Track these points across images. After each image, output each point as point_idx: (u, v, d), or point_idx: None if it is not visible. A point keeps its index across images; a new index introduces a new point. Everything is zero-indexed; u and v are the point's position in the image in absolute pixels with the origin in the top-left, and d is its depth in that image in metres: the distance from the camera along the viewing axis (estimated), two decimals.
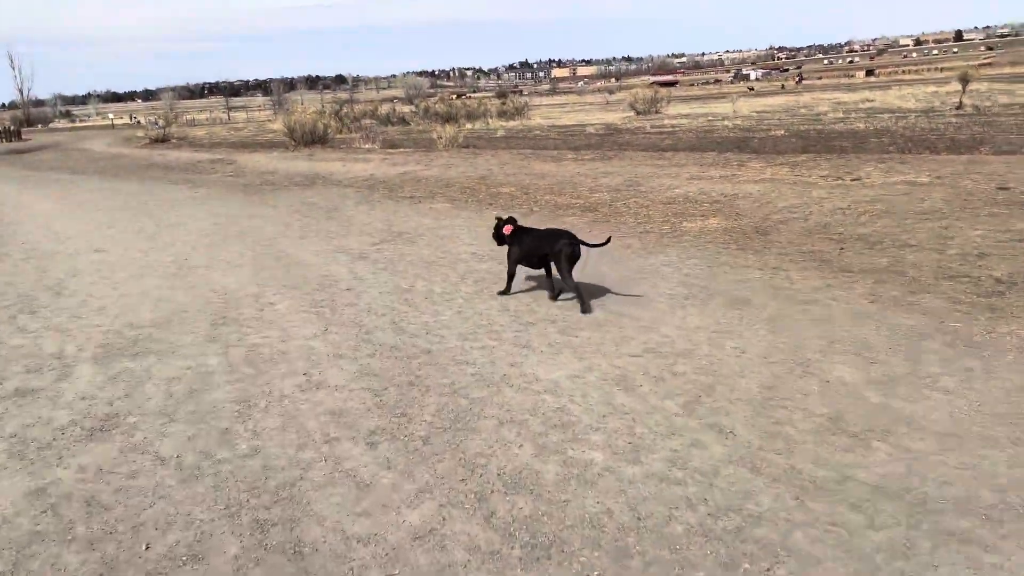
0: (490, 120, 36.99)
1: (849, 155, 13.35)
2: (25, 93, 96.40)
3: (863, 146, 14.96)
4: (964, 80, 25.96)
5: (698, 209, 9.82)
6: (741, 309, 5.51)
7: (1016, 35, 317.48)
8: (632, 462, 3.19)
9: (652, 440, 3.38)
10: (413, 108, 44.31)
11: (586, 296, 5.72)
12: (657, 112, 36.58)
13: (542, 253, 5.89)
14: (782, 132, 18.67)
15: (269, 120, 61.11)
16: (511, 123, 36.49)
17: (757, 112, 31.96)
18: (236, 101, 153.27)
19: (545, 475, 3.09)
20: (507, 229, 6.12)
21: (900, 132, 16.93)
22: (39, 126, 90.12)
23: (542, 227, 6.23)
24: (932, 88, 46.86)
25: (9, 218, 12.34)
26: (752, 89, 65.76)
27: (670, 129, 23.88)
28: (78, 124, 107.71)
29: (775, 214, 9.08)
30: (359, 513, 2.84)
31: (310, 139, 23.48)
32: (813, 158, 13.26)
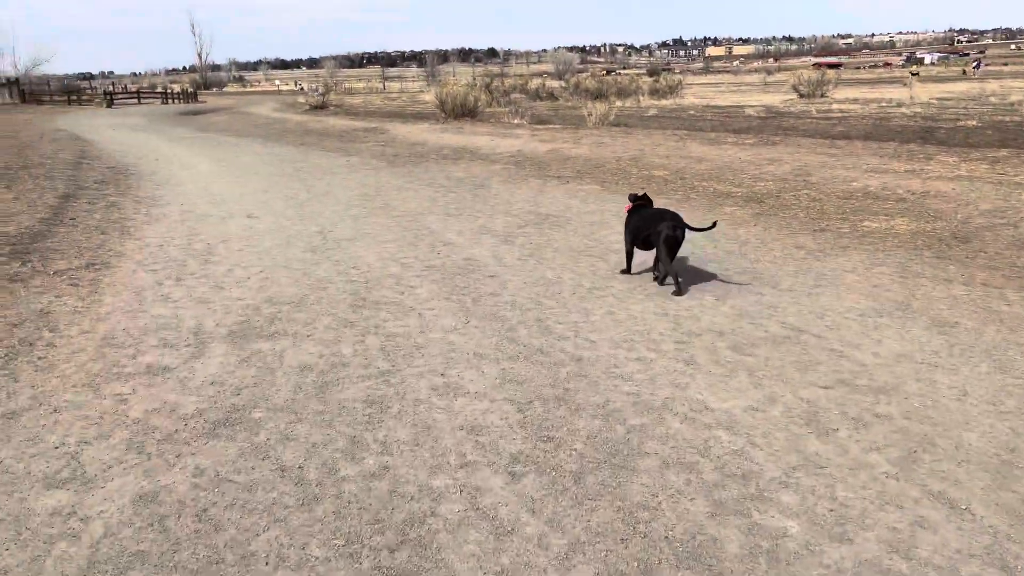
0: (642, 98, 35.82)
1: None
2: (204, 58, 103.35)
3: None
4: None
5: (881, 207, 8.72)
6: (949, 335, 4.62)
7: None
8: (838, 539, 2.53)
9: (861, 510, 2.70)
10: (563, 83, 43.67)
11: (683, 283, 5.65)
12: (823, 95, 34.17)
13: (646, 233, 5.71)
14: (974, 123, 16.69)
15: (422, 91, 62.34)
16: (664, 102, 35.17)
17: (938, 99, 29.11)
18: (392, 71, 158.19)
19: (726, 545, 2.49)
20: (627, 207, 6.11)
21: None
22: (215, 89, 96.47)
23: (655, 208, 6.04)
24: None
25: (176, 178, 12.83)
26: (916, 74, 60.31)
27: (840, 114, 22.04)
28: (248, 89, 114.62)
29: (976, 218, 7.87)
30: (498, 572, 2.36)
31: (460, 112, 23.41)
32: (1016, 154, 11.62)
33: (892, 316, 4.99)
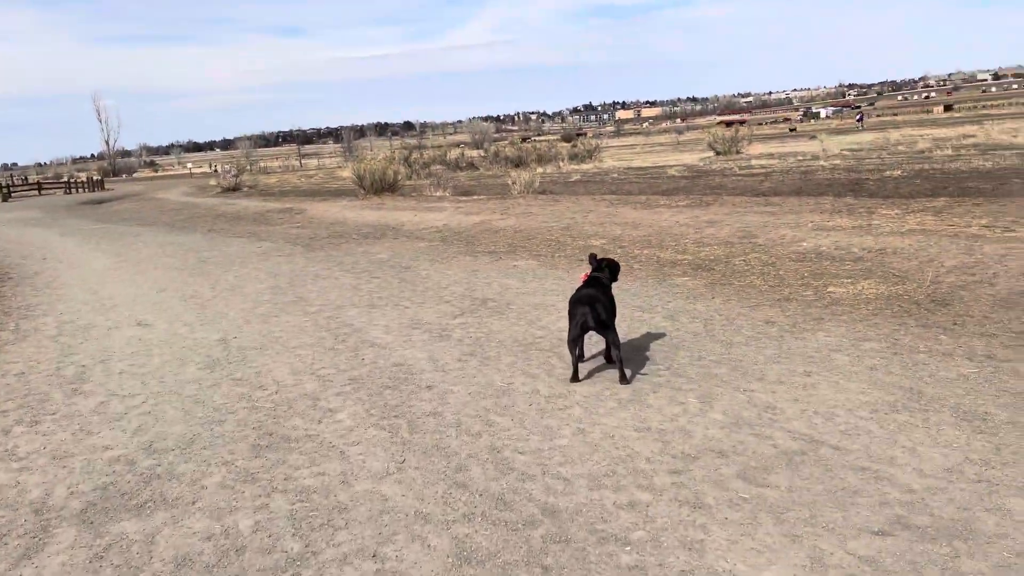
0: (562, 163, 35.79)
1: (998, 199, 11.44)
2: (111, 144, 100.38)
3: (1005, 188, 12.98)
4: None
5: (841, 269, 8.12)
6: (987, 431, 3.83)
7: None
8: None
9: None
10: (482, 153, 43.54)
11: (630, 372, 5.06)
12: (738, 152, 34.80)
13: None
14: (898, 172, 16.75)
15: (339, 167, 61.54)
16: (584, 166, 35.21)
17: (849, 151, 29.88)
18: (308, 149, 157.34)
19: None
20: (582, 277, 5.41)
21: None
22: (124, 176, 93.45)
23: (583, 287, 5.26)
24: (1013, 124, 43.86)
25: (61, 280, 11.43)
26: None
27: (761, 170, 22.11)
28: (160, 173, 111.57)
29: (946, 276, 7.32)
30: None
31: (380, 186, 22.55)
32: (954, 203, 11.39)
33: (910, 410, 4.19)
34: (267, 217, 21.01)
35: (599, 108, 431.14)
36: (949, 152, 23.02)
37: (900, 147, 29.11)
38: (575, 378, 4.99)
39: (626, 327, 6.30)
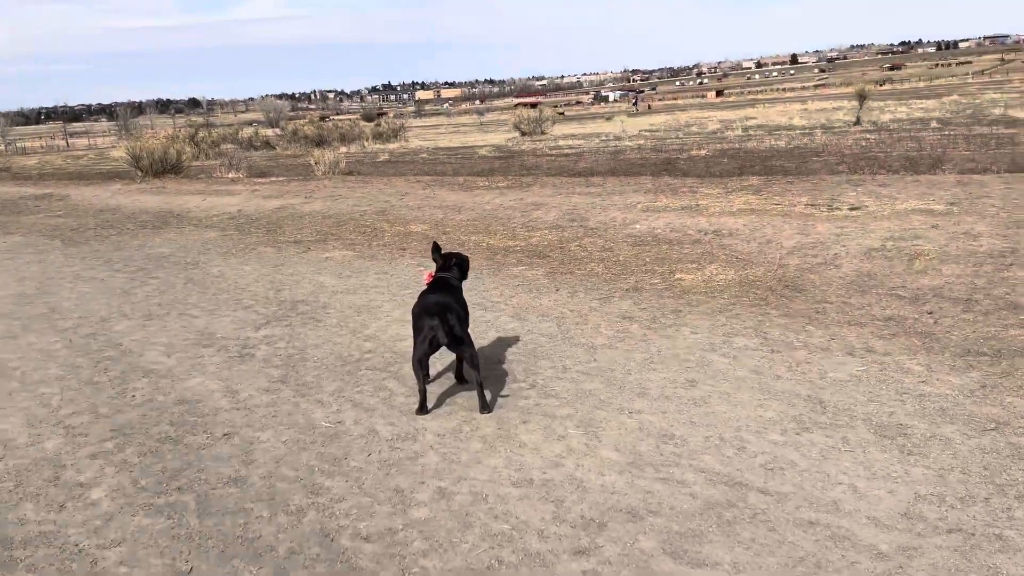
0: (367, 143, 34.12)
1: (806, 177, 11.69)
2: None
3: (808, 166, 13.44)
4: (862, 97, 25.66)
5: (682, 252, 7.66)
6: (915, 452, 3.28)
7: (844, 57, 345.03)
8: None
9: None
10: (278, 131, 40.66)
11: (492, 398, 4.05)
12: (543, 133, 34.95)
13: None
14: (704, 152, 17.08)
15: (114, 147, 55.42)
16: (390, 146, 33.79)
17: (648, 132, 30.84)
18: (76, 127, 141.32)
19: None
20: (426, 277, 4.42)
21: (835, 150, 15.63)
22: None
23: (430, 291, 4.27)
24: (799, 105, 48.02)
25: None
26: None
27: (571, 151, 21.99)
28: None
29: (790, 259, 7.03)
30: None
31: (160, 168, 19.94)
32: (767, 181, 11.50)
33: (822, 427, 3.57)
34: (20, 205, 17.83)
35: (399, 88, 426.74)
36: (740, 133, 24.20)
37: (693, 128, 30.46)
38: (423, 409, 3.93)
39: (470, 330, 5.32)
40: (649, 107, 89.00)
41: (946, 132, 18.13)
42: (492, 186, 13.63)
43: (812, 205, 9.08)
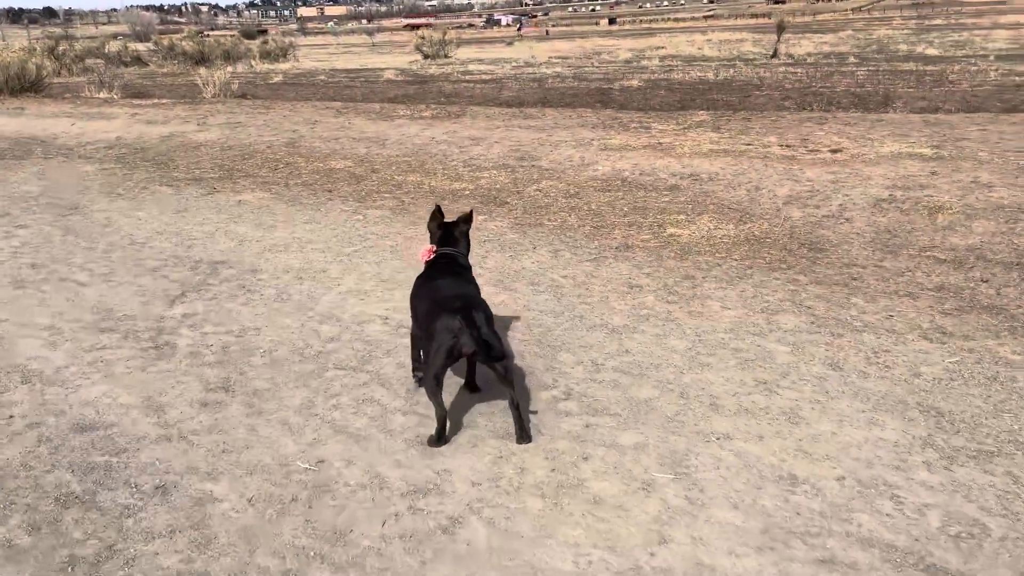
0: (254, 62, 31.28)
1: (759, 113, 10.97)
2: None
3: (752, 101, 12.75)
4: (781, 28, 25.26)
5: (661, 201, 6.76)
6: None
7: None
8: None
9: None
10: (152, 46, 36.84)
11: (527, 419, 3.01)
12: (447, 56, 33.08)
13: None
14: (636, 83, 16.14)
15: None
16: (281, 65, 31.11)
17: (558, 58, 29.60)
18: None
19: None
20: (424, 254, 3.37)
21: (771, 84, 15.02)
22: None
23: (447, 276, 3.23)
24: (701, 36, 47.66)
25: None
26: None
27: (487, 77, 20.59)
28: None
29: (791, 211, 6.25)
30: None
31: (17, 86, 17.23)
32: (719, 117, 10.70)
33: (976, 459, 2.77)
34: None
35: (279, 4, 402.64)
36: (657, 63, 23.39)
37: (604, 56, 29.43)
38: (441, 439, 2.86)
39: None
40: (547, 33, 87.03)
41: (870, 68, 17.89)
42: (415, 116, 12.25)
43: (787, 146, 8.33)
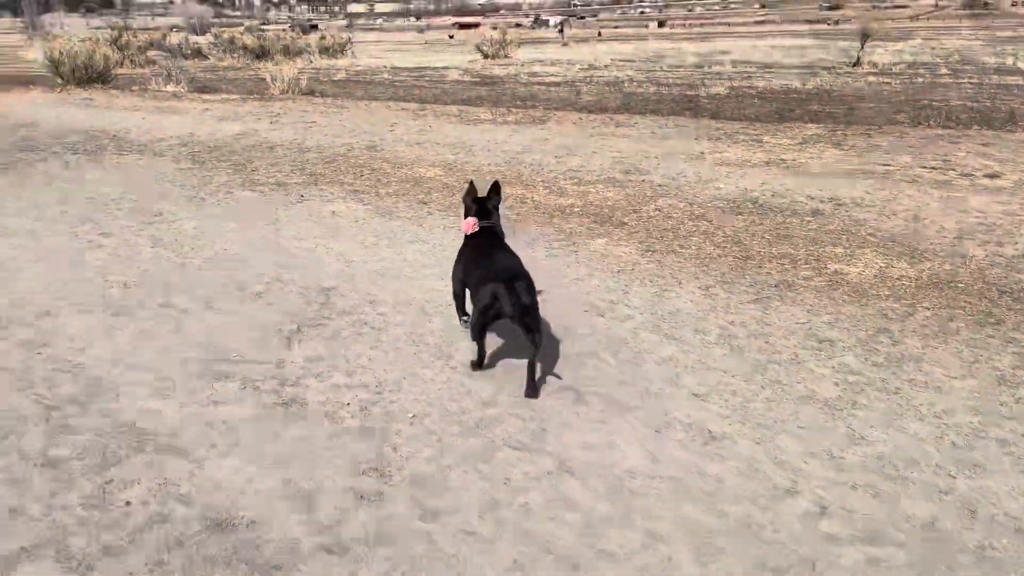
0: (314, 57, 31.00)
1: (877, 127, 10.10)
2: None
3: (859, 113, 11.86)
4: (865, 36, 24.12)
5: (808, 229, 6.00)
6: None
7: None
8: None
9: None
10: (211, 39, 36.84)
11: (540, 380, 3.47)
12: (507, 56, 32.45)
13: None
14: (721, 90, 15.30)
15: (22, 46, 49.97)
16: (340, 61, 30.78)
17: (622, 60, 28.78)
18: None
19: None
20: (466, 226, 3.82)
21: (872, 95, 14.07)
22: None
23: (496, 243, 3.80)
24: (764, 41, 46.34)
25: None
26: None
27: (557, 79, 19.89)
28: None
29: (971, 248, 5.45)
30: None
31: (85, 75, 17.01)
32: (832, 131, 9.87)
33: None
34: None
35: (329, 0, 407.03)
36: (731, 68, 22.46)
37: (670, 60, 28.53)
38: (480, 365, 3.12)
39: (618, 360, 3.58)
40: (599, 34, 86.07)
41: (971, 81, 16.80)
42: (498, 120, 11.61)
43: (932, 168, 7.50)
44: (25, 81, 20.52)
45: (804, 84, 16.41)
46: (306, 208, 6.91)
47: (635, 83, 17.88)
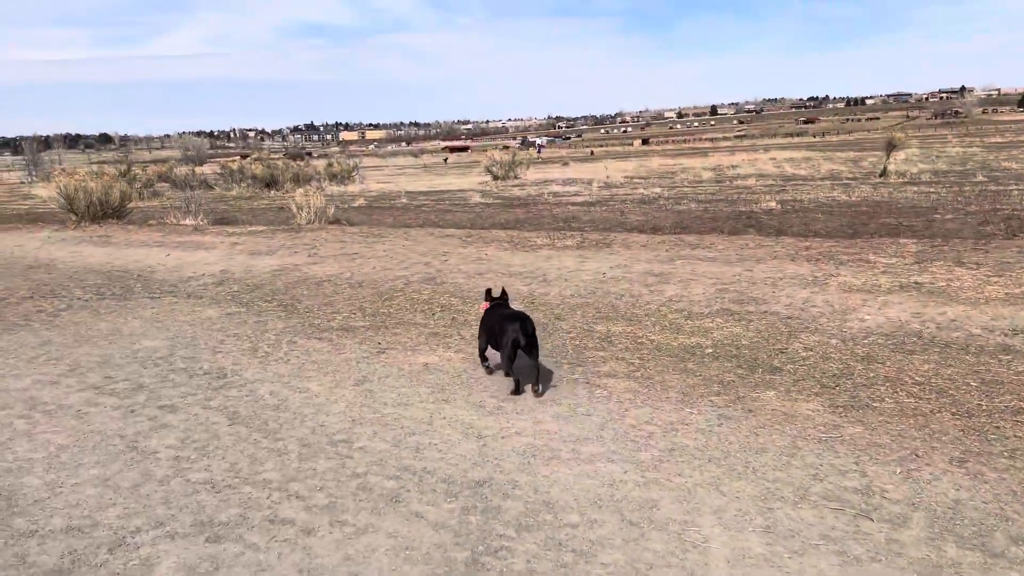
0: (324, 183, 30.82)
1: (966, 239, 9.29)
2: None
3: (941, 227, 11.11)
4: (891, 146, 24.04)
5: (1014, 372, 4.97)
6: None
7: (760, 110, 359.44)
8: None
9: None
10: (219, 170, 36.88)
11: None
12: (516, 176, 32.44)
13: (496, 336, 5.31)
14: (774, 204, 14.68)
15: (23, 184, 50.25)
16: (350, 188, 30.59)
17: (639, 178, 28.68)
18: None
19: None
20: (483, 306, 5.70)
21: (938, 205, 13.43)
22: None
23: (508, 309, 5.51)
24: (759, 155, 47.14)
25: None
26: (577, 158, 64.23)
27: (587, 199, 19.39)
28: None
29: None
30: None
31: (99, 211, 16.31)
32: (936, 248, 9.04)
33: None
34: None
35: (322, 128, 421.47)
36: (757, 182, 22.13)
37: (683, 176, 28.44)
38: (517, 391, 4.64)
39: None
40: (592, 153, 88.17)
41: (1017, 186, 16.32)
42: (556, 244, 10.78)
43: None
44: (33, 219, 19.88)
45: (850, 196, 15.86)
46: (390, 362, 5.87)
47: (672, 200, 17.33)
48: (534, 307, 7.52)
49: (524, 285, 8.52)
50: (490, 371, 5.45)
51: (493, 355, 5.47)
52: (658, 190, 20.76)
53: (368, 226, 14.64)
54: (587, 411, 4.62)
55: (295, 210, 15.79)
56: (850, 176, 22.88)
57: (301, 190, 21.94)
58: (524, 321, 4.98)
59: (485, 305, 5.63)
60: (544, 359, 5.72)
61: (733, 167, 32.53)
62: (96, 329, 7.34)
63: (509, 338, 4.92)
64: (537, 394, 4.92)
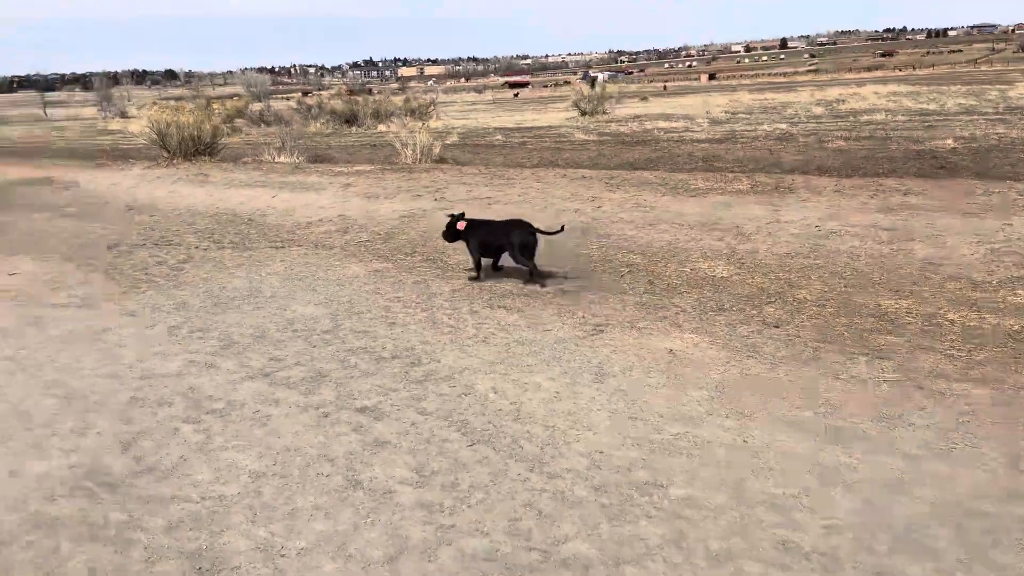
0: (406, 119, 29.45)
1: None
2: None
3: None
4: None
5: None
6: None
7: (833, 43, 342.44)
8: None
9: None
10: (294, 105, 35.82)
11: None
12: (604, 112, 30.52)
13: (498, 243, 6.00)
14: (951, 143, 12.76)
15: (103, 119, 50.19)
16: (432, 124, 29.15)
17: (740, 113, 26.54)
18: (53, 96, 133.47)
19: None
20: (461, 225, 6.11)
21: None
22: None
23: (497, 219, 6.35)
24: (852, 89, 43.90)
25: None
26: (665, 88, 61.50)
27: (712, 135, 17.61)
28: None
29: None
30: None
31: (192, 148, 15.28)
32: None
33: None
34: (9, 194, 13.17)
35: (380, 64, 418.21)
36: (887, 116, 19.94)
37: (790, 111, 26.19)
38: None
39: None
40: (665, 88, 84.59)
41: None
42: (727, 189, 9.24)
43: None
44: (120, 155, 19.06)
45: (1022, 133, 13.81)
46: (620, 345, 4.56)
47: (812, 136, 15.47)
48: (747, 268, 6.12)
49: (715, 240, 7.10)
50: (478, 279, 6.14)
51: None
52: (783, 126, 18.82)
53: (484, 166, 13.25)
54: (973, 444, 3.23)
55: (399, 147, 14.49)
56: (992, 112, 20.48)
57: (383, 126, 20.58)
58: (527, 224, 5.98)
59: (463, 224, 6.16)
60: (817, 346, 4.31)
61: (840, 101, 29.99)
62: (232, 288, 6.21)
63: (523, 240, 5.86)
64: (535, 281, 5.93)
